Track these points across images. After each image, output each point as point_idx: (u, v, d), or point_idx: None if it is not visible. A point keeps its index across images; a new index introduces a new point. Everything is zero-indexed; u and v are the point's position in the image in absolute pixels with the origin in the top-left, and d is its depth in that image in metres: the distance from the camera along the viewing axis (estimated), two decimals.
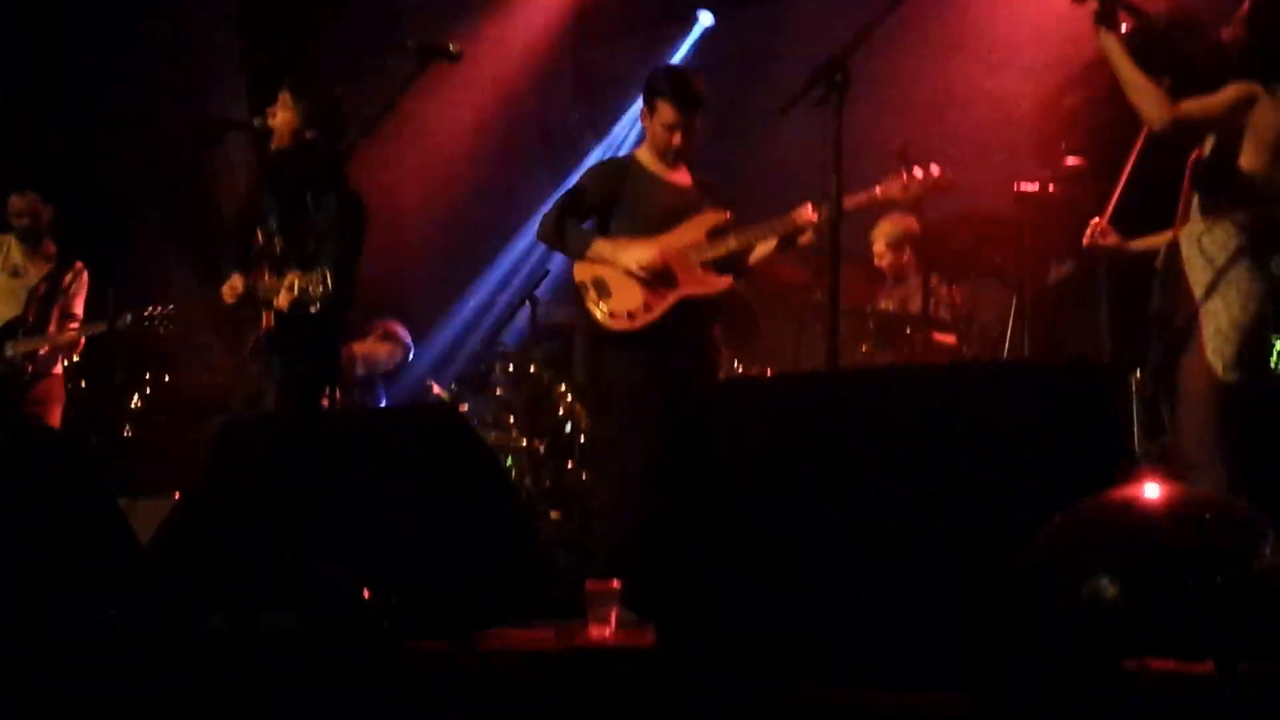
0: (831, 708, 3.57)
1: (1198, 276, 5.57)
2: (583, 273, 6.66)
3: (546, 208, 6.94)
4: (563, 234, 6.69)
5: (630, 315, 6.52)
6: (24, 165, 9.83)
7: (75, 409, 8.99)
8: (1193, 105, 5.50)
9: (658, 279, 6.53)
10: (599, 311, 6.57)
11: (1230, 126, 5.52)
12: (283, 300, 6.61)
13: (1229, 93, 5.51)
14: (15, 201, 9.05)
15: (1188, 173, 5.70)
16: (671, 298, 6.52)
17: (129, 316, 8.27)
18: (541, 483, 9.02)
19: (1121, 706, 3.18)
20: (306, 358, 6.81)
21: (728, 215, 6.73)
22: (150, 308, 8.25)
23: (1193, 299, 5.56)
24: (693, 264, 6.57)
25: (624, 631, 5.20)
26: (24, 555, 5.31)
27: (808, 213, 6.40)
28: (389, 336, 9.38)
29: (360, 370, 9.37)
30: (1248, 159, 5.52)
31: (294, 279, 6.52)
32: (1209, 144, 5.62)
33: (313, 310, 6.44)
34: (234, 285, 6.91)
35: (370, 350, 9.39)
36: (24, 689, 4.37)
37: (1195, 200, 5.64)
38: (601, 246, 6.61)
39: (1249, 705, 3.15)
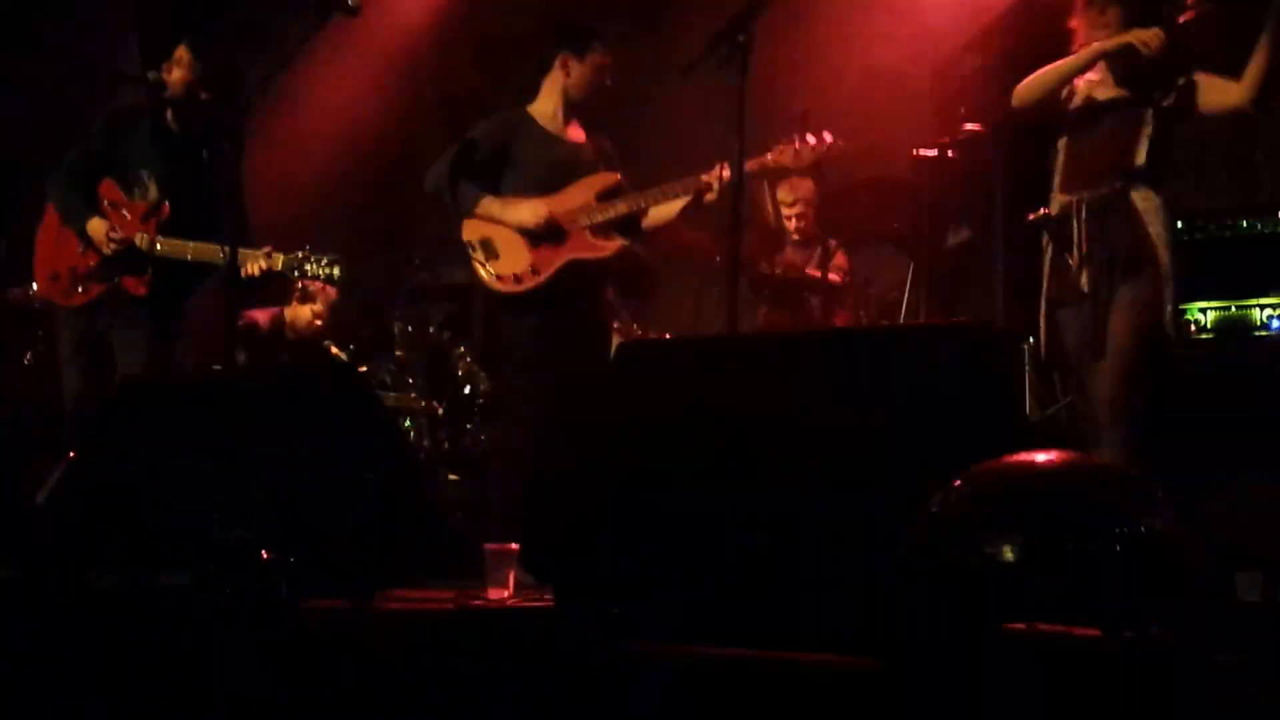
0: (734, 669, 3.58)
1: (1160, 233, 5.65)
2: (470, 232, 6.60)
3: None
4: (451, 189, 6.62)
5: (517, 278, 6.49)
6: None
7: None
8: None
9: (546, 241, 6.50)
10: (485, 273, 6.53)
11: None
12: (252, 269, 6.49)
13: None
14: None
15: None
16: (559, 260, 6.49)
17: None
18: (440, 444, 9.00)
19: (1008, 669, 3.21)
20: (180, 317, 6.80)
21: (618, 177, 6.70)
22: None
23: (1150, 255, 5.63)
24: (582, 226, 6.54)
25: (522, 593, 5.19)
26: None
27: (712, 173, 6.38)
28: (309, 296, 9.24)
29: (290, 335, 9.24)
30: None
31: (285, 255, 6.51)
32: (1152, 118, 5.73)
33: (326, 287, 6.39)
34: (99, 229, 6.67)
35: (294, 313, 9.26)
36: None
37: (1141, 159, 5.70)
38: (490, 205, 6.55)
39: (1135, 670, 3.17)
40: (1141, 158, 5.73)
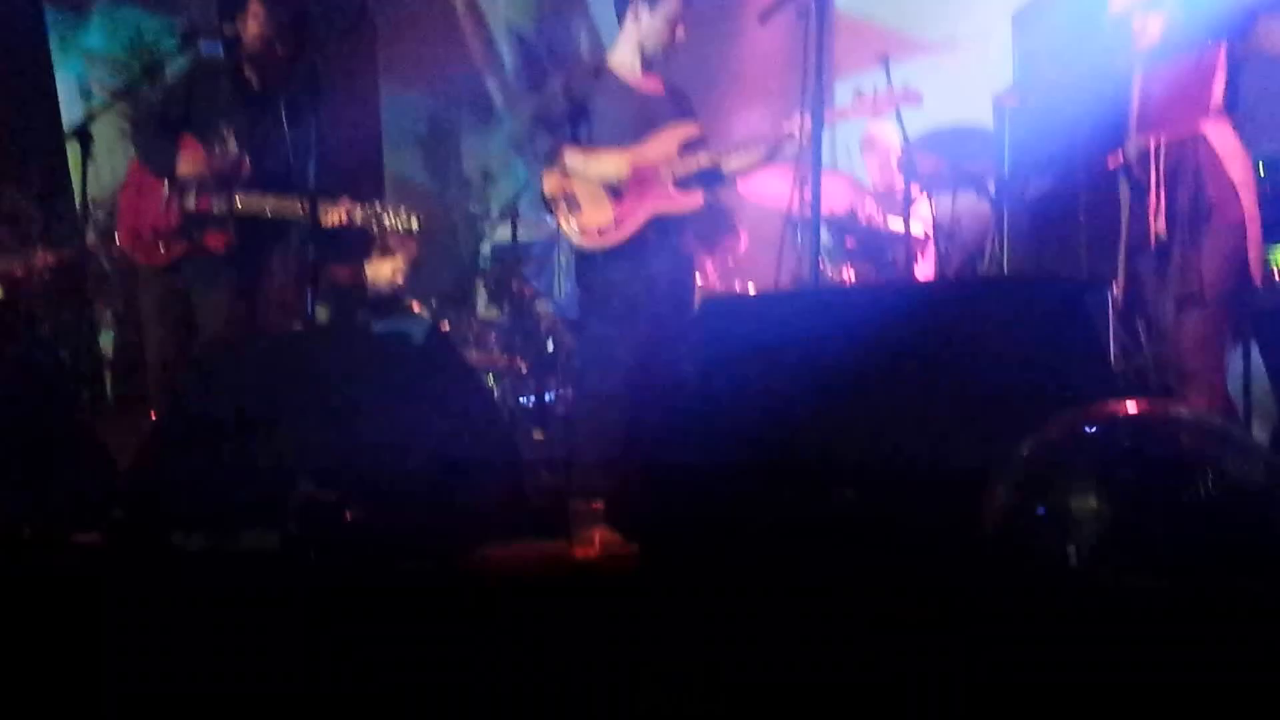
0: (818, 622, 3.58)
1: (1240, 176, 5.54)
2: (551, 185, 6.55)
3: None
4: (531, 141, 6.58)
5: (600, 231, 6.45)
6: None
7: (49, 327, 8.91)
8: None
9: (628, 193, 6.47)
10: (568, 226, 6.50)
11: None
12: (332, 220, 6.54)
13: None
14: None
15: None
16: (642, 214, 6.45)
17: None
18: (524, 402, 8.99)
19: (1095, 617, 3.20)
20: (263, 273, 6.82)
21: (698, 128, 6.66)
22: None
23: (1230, 198, 5.52)
24: (664, 178, 6.49)
25: (608, 551, 5.20)
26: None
27: (792, 122, 6.33)
28: (389, 251, 9.20)
29: (372, 291, 9.22)
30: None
31: (363, 207, 6.58)
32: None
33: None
34: (190, 164, 6.65)
35: (375, 269, 9.24)
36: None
37: (1217, 98, 5.58)
38: (572, 157, 6.52)
39: (1220, 618, 3.16)
40: (1218, 96, 5.62)
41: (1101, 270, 6.25)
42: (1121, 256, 5.84)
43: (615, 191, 6.43)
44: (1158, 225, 5.60)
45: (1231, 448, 3.42)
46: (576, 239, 6.48)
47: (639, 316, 6.37)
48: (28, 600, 4.37)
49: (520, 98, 10.73)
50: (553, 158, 6.51)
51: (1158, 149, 5.63)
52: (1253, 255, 5.54)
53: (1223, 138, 5.56)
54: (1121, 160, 5.80)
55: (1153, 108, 5.71)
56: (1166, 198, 5.59)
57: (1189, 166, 5.56)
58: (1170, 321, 5.65)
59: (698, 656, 3.61)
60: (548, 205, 6.58)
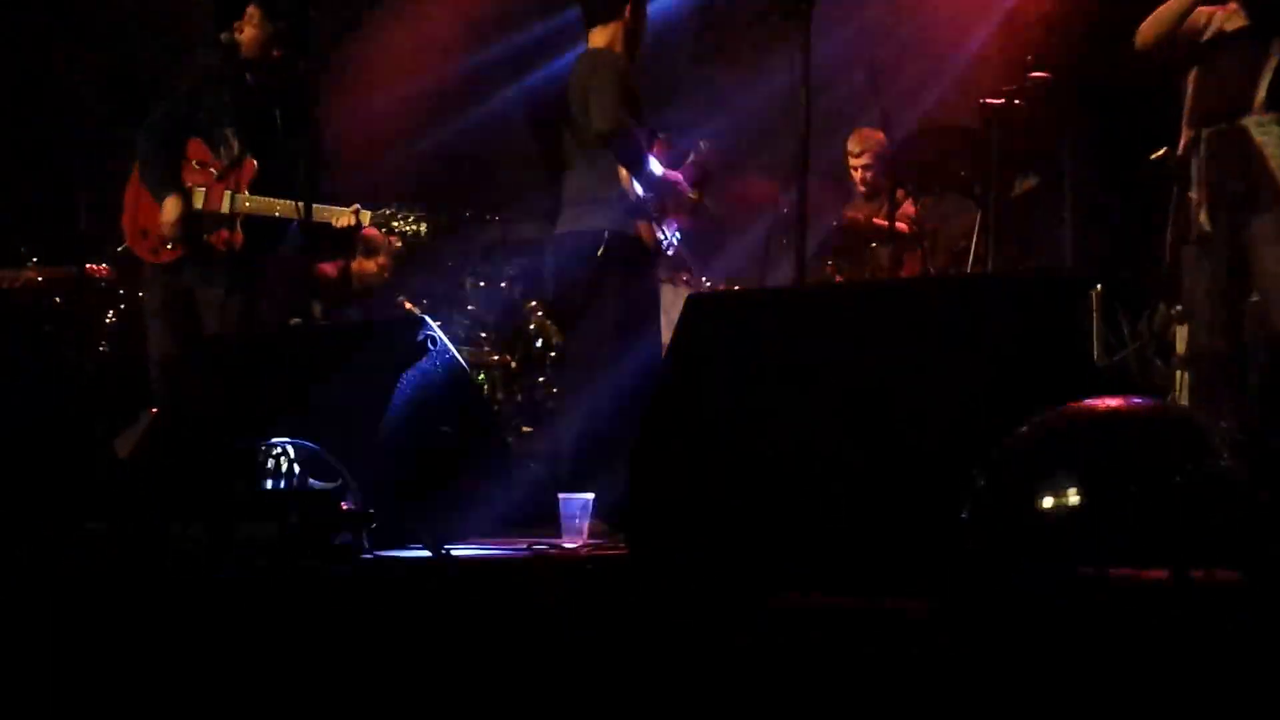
0: (801, 614, 3.62)
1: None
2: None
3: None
4: (643, 154, 6.40)
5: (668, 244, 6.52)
6: None
7: (50, 325, 8.94)
8: None
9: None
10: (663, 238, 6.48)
11: None
12: (342, 224, 6.61)
13: None
14: None
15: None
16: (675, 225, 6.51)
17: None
18: (513, 397, 9.04)
19: (1079, 612, 3.24)
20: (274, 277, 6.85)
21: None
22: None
23: (1267, 191, 5.51)
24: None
25: (596, 542, 5.24)
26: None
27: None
28: (373, 250, 9.19)
29: (357, 285, 9.22)
30: None
31: (372, 212, 6.63)
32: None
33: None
34: (173, 209, 6.68)
35: (360, 266, 9.24)
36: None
37: (1262, 94, 5.57)
38: (658, 170, 6.44)
39: (1202, 611, 3.20)
40: (1262, 94, 5.56)
41: (1086, 267, 6.30)
42: (1168, 249, 5.82)
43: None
44: (1199, 218, 5.60)
45: (1207, 441, 3.45)
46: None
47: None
48: (35, 591, 4.43)
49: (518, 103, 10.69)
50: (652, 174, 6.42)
51: (1198, 141, 5.64)
52: None
53: (1263, 128, 5.53)
54: (1165, 153, 5.82)
55: (1201, 102, 5.70)
56: (1208, 191, 5.60)
57: (1229, 159, 5.57)
58: (1227, 315, 5.62)
59: (686, 650, 3.67)
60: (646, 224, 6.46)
